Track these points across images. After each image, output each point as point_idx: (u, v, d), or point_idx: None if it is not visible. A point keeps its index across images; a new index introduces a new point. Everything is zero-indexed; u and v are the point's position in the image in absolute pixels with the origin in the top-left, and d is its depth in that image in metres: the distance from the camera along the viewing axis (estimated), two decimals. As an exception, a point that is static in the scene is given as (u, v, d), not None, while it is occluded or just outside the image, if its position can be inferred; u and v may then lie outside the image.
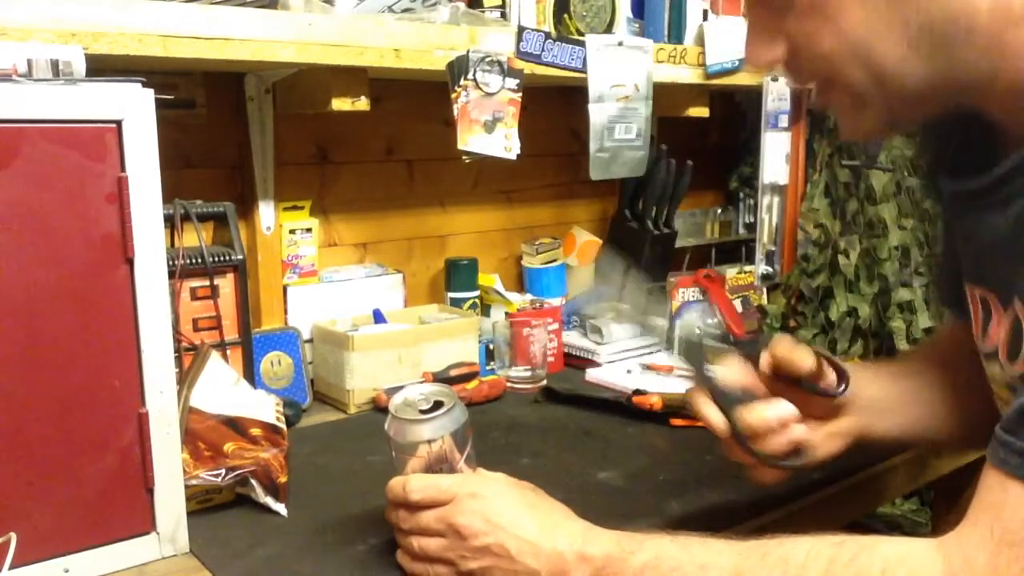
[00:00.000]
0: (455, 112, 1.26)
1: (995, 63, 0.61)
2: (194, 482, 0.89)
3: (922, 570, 0.59)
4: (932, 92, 0.64)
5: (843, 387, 0.83)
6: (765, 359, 0.84)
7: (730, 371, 0.82)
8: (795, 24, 0.68)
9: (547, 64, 1.34)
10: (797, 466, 0.81)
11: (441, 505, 0.76)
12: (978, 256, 0.73)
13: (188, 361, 1.09)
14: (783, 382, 0.84)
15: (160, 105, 0.77)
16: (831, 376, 0.84)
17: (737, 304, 1.84)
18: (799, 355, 0.83)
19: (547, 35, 1.33)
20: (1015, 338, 0.66)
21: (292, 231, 1.37)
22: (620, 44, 1.44)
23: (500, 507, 0.74)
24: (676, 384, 1.23)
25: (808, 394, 0.83)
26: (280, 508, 0.93)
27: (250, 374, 1.19)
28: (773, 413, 0.79)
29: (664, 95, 1.58)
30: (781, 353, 0.83)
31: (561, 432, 1.20)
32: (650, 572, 0.67)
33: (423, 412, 0.81)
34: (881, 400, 0.87)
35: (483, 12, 1.30)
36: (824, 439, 0.84)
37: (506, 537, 0.73)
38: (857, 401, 0.86)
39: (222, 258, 1.15)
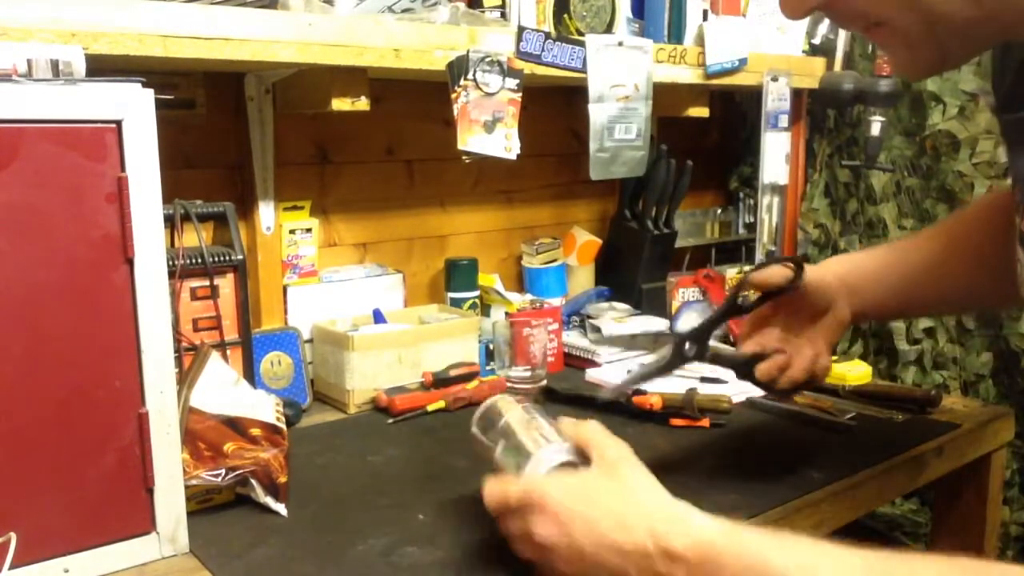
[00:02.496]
0: (455, 112, 1.26)
1: None
2: (194, 482, 0.88)
3: None
4: (981, 29, 0.65)
5: (798, 282, 0.94)
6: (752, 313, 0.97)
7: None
8: None
9: (547, 64, 1.34)
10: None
11: (515, 512, 0.73)
12: None
13: (188, 361, 1.09)
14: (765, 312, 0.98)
15: (160, 105, 0.77)
16: (795, 268, 0.95)
17: (737, 304, 1.84)
18: (772, 274, 0.94)
19: (547, 35, 1.33)
20: None
21: (292, 231, 1.37)
22: (620, 44, 1.44)
23: (571, 505, 0.69)
24: (676, 384, 1.23)
25: (787, 310, 0.97)
26: (280, 508, 0.93)
27: (250, 374, 1.19)
28: (770, 366, 0.94)
29: (664, 95, 1.58)
30: (759, 280, 0.95)
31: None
32: None
33: None
34: (874, 285, 0.98)
35: (483, 12, 1.30)
36: (819, 337, 0.96)
37: (584, 538, 0.68)
38: (845, 288, 0.96)
39: (222, 258, 1.15)
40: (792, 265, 0.94)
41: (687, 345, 0.94)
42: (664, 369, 0.95)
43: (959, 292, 0.99)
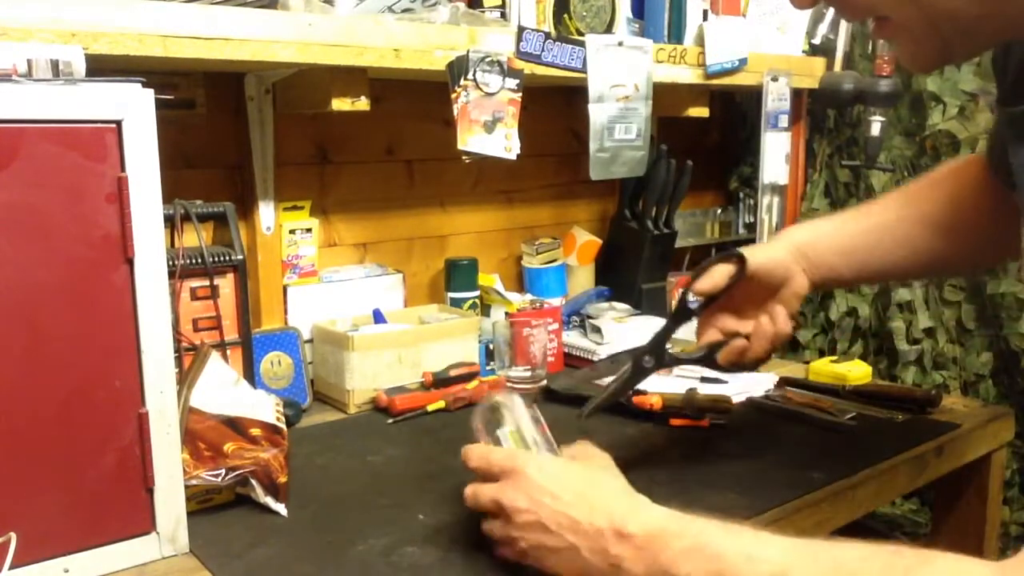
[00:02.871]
0: (455, 112, 1.26)
1: None
2: (194, 482, 0.89)
3: None
4: (984, 26, 0.66)
5: (741, 275, 0.95)
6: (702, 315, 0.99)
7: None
8: None
9: (547, 64, 1.34)
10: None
11: (492, 478, 0.78)
12: None
13: (188, 361, 1.09)
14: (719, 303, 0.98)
15: (160, 105, 0.77)
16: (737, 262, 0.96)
17: (737, 304, 1.84)
18: (716, 279, 0.95)
19: (547, 35, 1.33)
20: None
21: (292, 231, 1.37)
22: (620, 44, 1.44)
23: (542, 483, 0.75)
24: (676, 384, 1.23)
25: (739, 296, 0.97)
26: (280, 508, 0.93)
27: (250, 374, 1.19)
28: (730, 351, 0.96)
29: (664, 95, 1.58)
30: (704, 289, 0.95)
31: (561, 432, 1.19)
32: (692, 556, 0.66)
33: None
34: (832, 254, 0.99)
35: (483, 12, 1.30)
36: (778, 311, 0.97)
37: (547, 513, 0.73)
38: (803, 260, 0.98)
39: (222, 258, 1.15)
40: (734, 259, 0.95)
41: (646, 358, 0.97)
42: (627, 386, 0.99)
43: (917, 257, 1.00)
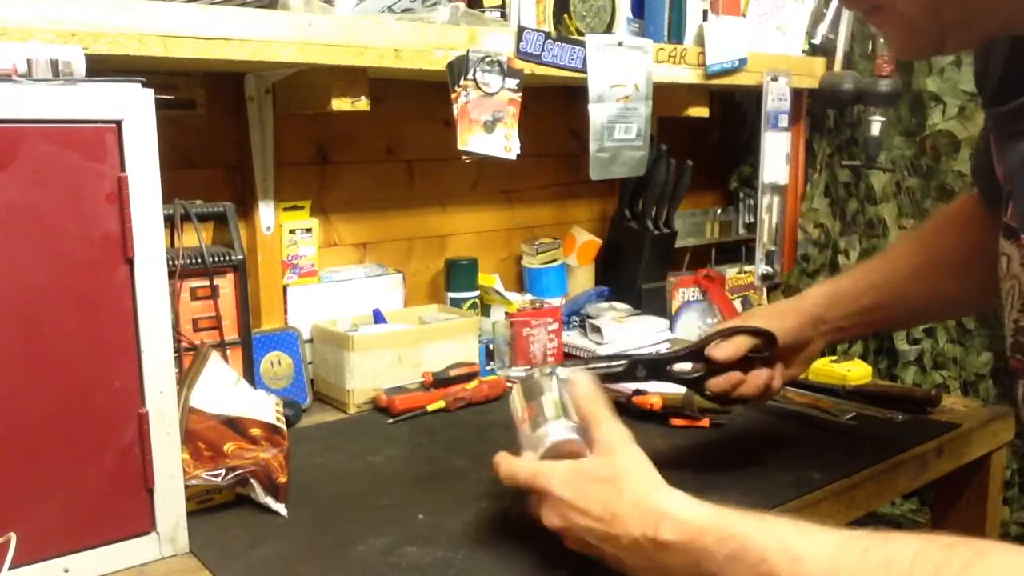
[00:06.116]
0: (455, 112, 1.26)
1: None
2: (194, 482, 0.88)
3: None
4: (983, 19, 0.66)
5: (767, 353, 0.97)
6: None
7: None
8: None
9: (547, 64, 1.34)
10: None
11: (525, 493, 0.77)
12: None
13: (188, 361, 1.09)
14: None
15: (160, 105, 0.77)
16: (763, 340, 0.97)
17: (737, 304, 1.84)
18: (736, 349, 0.95)
19: (547, 35, 1.33)
20: None
21: (292, 231, 1.37)
22: (620, 44, 1.44)
23: (569, 498, 0.72)
24: (676, 384, 1.23)
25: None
26: (280, 508, 0.93)
27: (250, 374, 1.19)
28: (722, 381, 0.96)
29: (664, 95, 1.58)
30: (721, 357, 0.95)
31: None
32: (735, 564, 0.63)
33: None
34: (844, 318, 1.00)
35: (483, 12, 1.30)
36: (786, 368, 1.01)
37: (583, 530, 0.72)
38: (822, 326, 1.00)
39: (222, 258, 1.15)
40: (761, 336, 0.96)
41: (639, 367, 0.97)
42: (610, 378, 0.98)
43: (931, 304, 1.03)
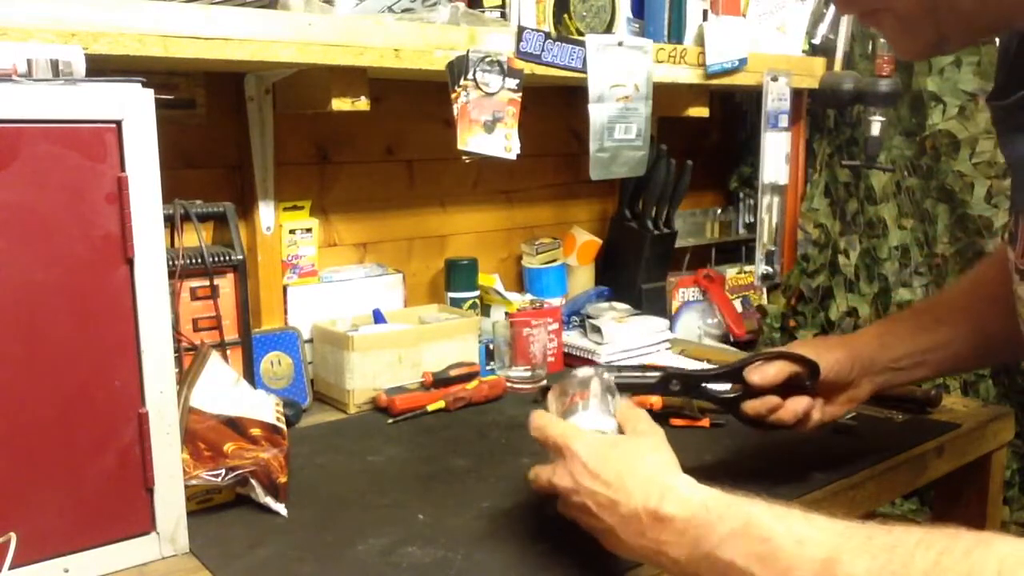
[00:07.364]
0: (455, 112, 1.26)
1: None
2: (194, 482, 0.88)
3: None
4: (982, 17, 0.66)
5: (809, 383, 0.93)
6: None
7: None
8: None
9: (547, 64, 1.34)
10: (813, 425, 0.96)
11: (547, 449, 0.79)
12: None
13: (188, 361, 1.09)
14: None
15: (160, 105, 0.77)
16: (806, 370, 0.94)
17: (737, 304, 1.85)
18: (771, 373, 0.92)
19: (547, 35, 1.33)
20: None
21: (292, 231, 1.37)
22: (620, 44, 1.44)
23: (587, 461, 0.74)
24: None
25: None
26: (280, 508, 0.93)
27: (250, 374, 1.19)
28: (759, 404, 0.93)
29: (664, 95, 1.58)
30: (756, 381, 0.92)
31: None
32: (737, 540, 0.63)
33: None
34: (898, 359, 0.96)
35: (483, 12, 1.30)
36: (839, 406, 0.97)
37: (589, 494, 0.73)
38: (873, 368, 0.96)
39: (222, 258, 1.15)
40: (803, 368, 0.93)
41: (672, 381, 0.95)
42: (642, 389, 0.97)
43: (980, 356, 1.02)
